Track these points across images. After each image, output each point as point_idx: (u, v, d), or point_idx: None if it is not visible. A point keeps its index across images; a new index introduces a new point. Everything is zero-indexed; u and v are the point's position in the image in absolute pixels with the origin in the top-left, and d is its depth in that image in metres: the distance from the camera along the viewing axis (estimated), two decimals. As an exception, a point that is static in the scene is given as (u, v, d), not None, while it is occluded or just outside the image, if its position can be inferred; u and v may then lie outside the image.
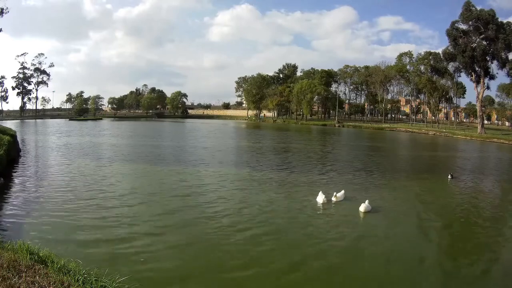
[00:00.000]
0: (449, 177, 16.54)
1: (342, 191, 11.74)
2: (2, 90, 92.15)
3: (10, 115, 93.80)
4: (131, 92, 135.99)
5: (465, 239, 8.90)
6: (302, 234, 8.52)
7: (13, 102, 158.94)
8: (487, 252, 8.01)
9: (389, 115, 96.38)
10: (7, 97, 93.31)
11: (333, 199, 11.19)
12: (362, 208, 10.32)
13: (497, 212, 11.29)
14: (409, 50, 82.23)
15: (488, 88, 58.24)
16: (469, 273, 6.94)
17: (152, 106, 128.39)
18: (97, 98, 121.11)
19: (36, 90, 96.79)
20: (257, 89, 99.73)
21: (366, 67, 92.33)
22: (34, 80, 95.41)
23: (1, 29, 48.35)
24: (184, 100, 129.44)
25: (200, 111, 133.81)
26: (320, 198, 11.18)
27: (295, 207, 10.87)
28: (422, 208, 11.40)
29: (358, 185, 14.37)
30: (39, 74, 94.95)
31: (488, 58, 55.50)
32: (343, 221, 9.68)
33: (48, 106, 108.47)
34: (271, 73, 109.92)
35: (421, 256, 7.49)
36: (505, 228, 9.93)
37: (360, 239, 8.40)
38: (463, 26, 55.97)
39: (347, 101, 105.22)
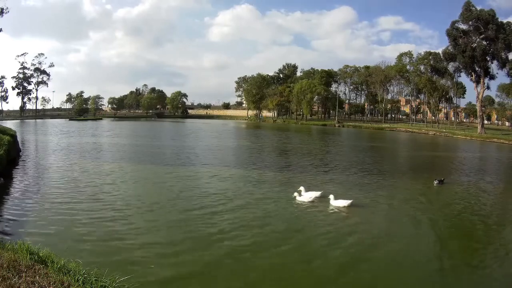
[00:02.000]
0: (435, 182, 14.63)
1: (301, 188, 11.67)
2: (2, 90, 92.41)
3: (10, 115, 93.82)
4: (131, 92, 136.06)
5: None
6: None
7: (13, 102, 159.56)
8: (467, 250, 8.05)
9: (389, 115, 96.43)
10: (7, 97, 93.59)
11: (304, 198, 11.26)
12: (343, 202, 10.68)
13: (489, 212, 11.30)
14: (409, 50, 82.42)
15: (488, 88, 58.43)
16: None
17: (152, 106, 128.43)
18: (97, 98, 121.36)
19: (36, 90, 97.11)
20: (257, 89, 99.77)
21: (366, 67, 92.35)
22: (34, 80, 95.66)
23: (1, 29, 48.40)
24: (184, 100, 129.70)
25: (200, 111, 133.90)
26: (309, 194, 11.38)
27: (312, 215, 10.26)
28: (407, 205, 11.50)
29: (356, 185, 14.43)
30: (39, 74, 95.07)
31: (488, 58, 55.53)
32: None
33: (48, 106, 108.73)
34: (271, 73, 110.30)
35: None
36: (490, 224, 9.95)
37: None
38: (463, 26, 56.03)
39: (347, 101, 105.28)
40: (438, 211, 11.09)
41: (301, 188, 11.68)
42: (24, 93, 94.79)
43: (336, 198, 10.99)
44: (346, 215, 10.23)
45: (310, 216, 10.10)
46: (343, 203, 10.67)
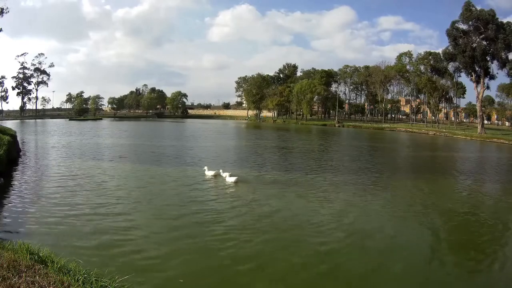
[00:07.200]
0: None
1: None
2: (2, 90, 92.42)
3: (10, 115, 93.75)
4: (131, 92, 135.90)
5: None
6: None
7: (13, 102, 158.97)
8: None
9: (389, 115, 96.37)
10: (7, 97, 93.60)
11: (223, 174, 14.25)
12: (232, 179, 13.66)
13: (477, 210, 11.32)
14: (409, 50, 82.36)
15: (488, 88, 58.28)
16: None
17: (152, 106, 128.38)
18: (97, 98, 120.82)
19: (36, 90, 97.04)
20: (257, 89, 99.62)
21: (366, 67, 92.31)
22: (34, 80, 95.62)
23: (1, 29, 48.35)
24: (184, 100, 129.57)
25: (200, 111, 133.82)
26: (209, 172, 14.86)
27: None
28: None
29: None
30: (39, 74, 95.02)
31: (488, 58, 55.45)
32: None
33: (48, 106, 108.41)
34: (271, 73, 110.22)
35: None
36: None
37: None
38: (463, 26, 55.97)
39: (347, 101, 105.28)
40: (436, 207, 11.13)
41: (205, 167, 15.43)
42: (24, 93, 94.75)
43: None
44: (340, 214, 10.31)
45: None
46: (231, 179, 13.72)
